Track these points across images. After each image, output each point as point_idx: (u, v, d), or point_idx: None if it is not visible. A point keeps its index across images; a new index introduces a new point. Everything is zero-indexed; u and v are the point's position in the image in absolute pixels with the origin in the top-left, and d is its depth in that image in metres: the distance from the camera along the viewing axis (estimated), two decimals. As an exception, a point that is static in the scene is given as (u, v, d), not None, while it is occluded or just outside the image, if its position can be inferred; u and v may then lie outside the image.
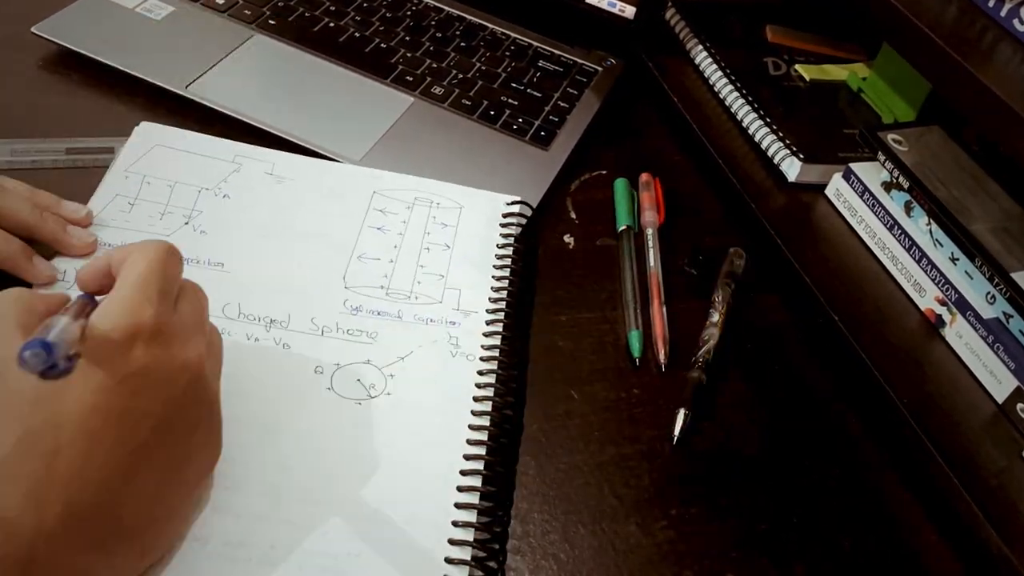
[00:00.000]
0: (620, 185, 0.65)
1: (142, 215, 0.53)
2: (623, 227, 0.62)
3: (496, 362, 0.50)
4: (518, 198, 0.61)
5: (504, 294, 0.55)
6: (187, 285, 0.38)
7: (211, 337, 0.39)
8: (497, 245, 0.57)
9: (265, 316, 0.50)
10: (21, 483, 0.30)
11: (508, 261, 0.56)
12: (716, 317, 0.57)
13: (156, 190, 0.55)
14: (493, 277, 0.55)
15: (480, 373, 0.50)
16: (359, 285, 0.53)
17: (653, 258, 0.60)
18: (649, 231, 0.62)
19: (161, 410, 0.34)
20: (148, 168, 0.56)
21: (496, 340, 0.51)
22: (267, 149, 0.59)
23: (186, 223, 0.53)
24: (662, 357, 0.54)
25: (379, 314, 0.51)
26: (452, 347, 0.50)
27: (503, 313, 0.53)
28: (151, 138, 0.58)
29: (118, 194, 0.54)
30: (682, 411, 0.51)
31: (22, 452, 0.31)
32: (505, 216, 0.59)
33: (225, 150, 0.59)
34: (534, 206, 0.61)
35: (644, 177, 0.66)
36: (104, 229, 0.52)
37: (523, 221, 0.59)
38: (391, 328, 0.51)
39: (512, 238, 0.58)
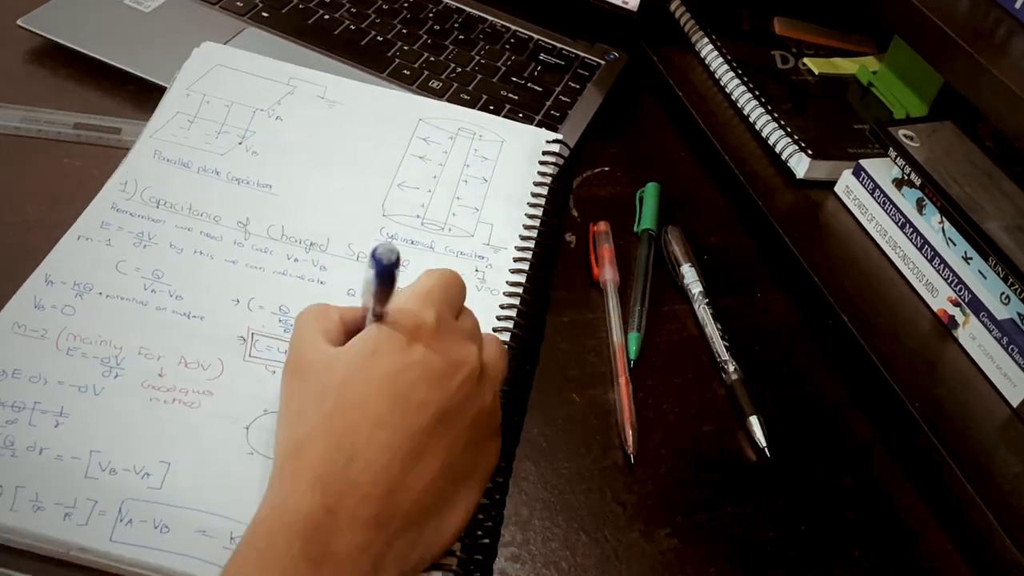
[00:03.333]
0: (652, 189, 0.64)
1: (199, 133, 0.57)
2: (644, 229, 0.61)
3: (519, 298, 0.53)
4: (559, 136, 0.63)
5: (535, 233, 0.57)
6: (466, 309, 0.43)
7: (490, 350, 0.43)
8: (534, 183, 0.59)
9: (306, 239, 0.53)
10: (312, 465, 0.36)
11: (542, 200, 0.59)
12: (704, 316, 0.57)
13: (214, 109, 0.58)
14: (526, 215, 0.58)
15: (501, 307, 0.52)
16: (397, 213, 0.55)
17: (616, 327, 0.55)
18: (610, 288, 0.57)
19: (438, 401, 0.38)
20: (208, 87, 0.59)
21: (521, 278, 0.54)
22: (321, 73, 0.63)
23: (240, 143, 0.57)
24: (630, 444, 0.49)
25: (413, 243, 0.54)
26: (479, 281, 0.53)
27: (531, 252, 0.56)
28: (212, 58, 0.61)
29: (179, 111, 0.58)
30: (754, 418, 0.51)
31: (318, 436, 0.37)
32: (544, 154, 0.61)
33: (281, 72, 0.62)
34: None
35: (602, 226, 0.61)
36: (165, 144, 0.55)
37: (561, 161, 0.61)
38: (423, 258, 0.54)
39: (549, 177, 0.60)
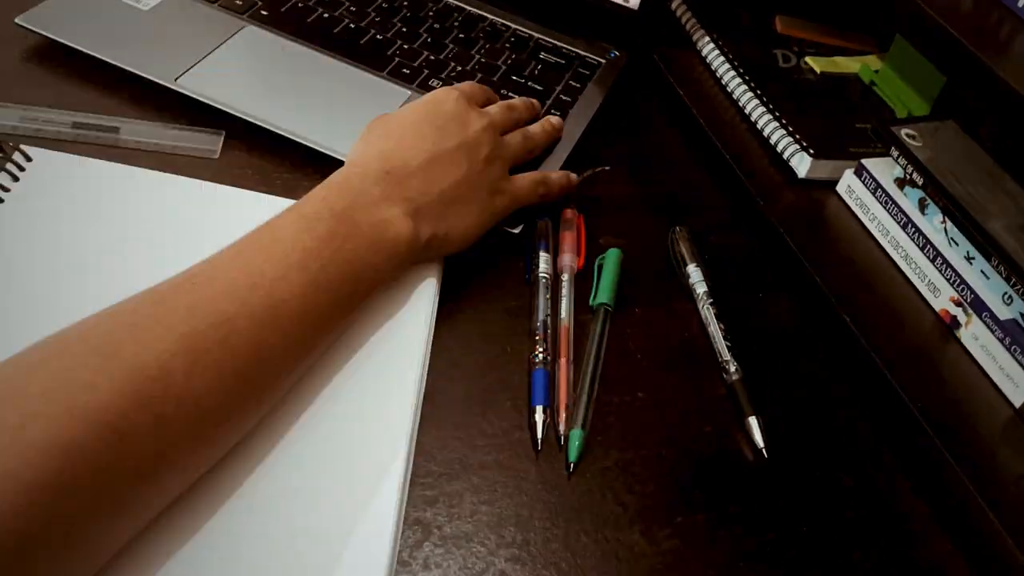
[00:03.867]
0: (613, 256, 0.59)
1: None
2: (600, 304, 0.56)
3: None
4: None
5: None
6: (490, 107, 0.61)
7: (495, 124, 0.58)
8: None
9: None
10: (379, 155, 0.52)
11: None
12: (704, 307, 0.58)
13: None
14: None
15: None
16: None
17: (566, 308, 0.55)
18: (565, 277, 0.57)
19: (460, 134, 0.55)
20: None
21: None
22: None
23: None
24: (563, 427, 0.49)
25: None
26: None
27: None
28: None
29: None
30: (753, 419, 0.51)
31: (364, 153, 0.53)
32: None
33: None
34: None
35: (567, 214, 0.61)
36: None
37: None
38: None
39: None
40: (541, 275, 0.57)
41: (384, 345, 0.50)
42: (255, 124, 0.61)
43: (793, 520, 0.48)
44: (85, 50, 0.63)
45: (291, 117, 0.62)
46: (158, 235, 0.53)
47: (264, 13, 0.70)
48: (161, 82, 0.62)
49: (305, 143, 0.61)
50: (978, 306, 0.55)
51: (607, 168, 0.67)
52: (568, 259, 0.58)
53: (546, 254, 0.58)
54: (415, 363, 0.50)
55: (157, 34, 0.66)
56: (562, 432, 0.49)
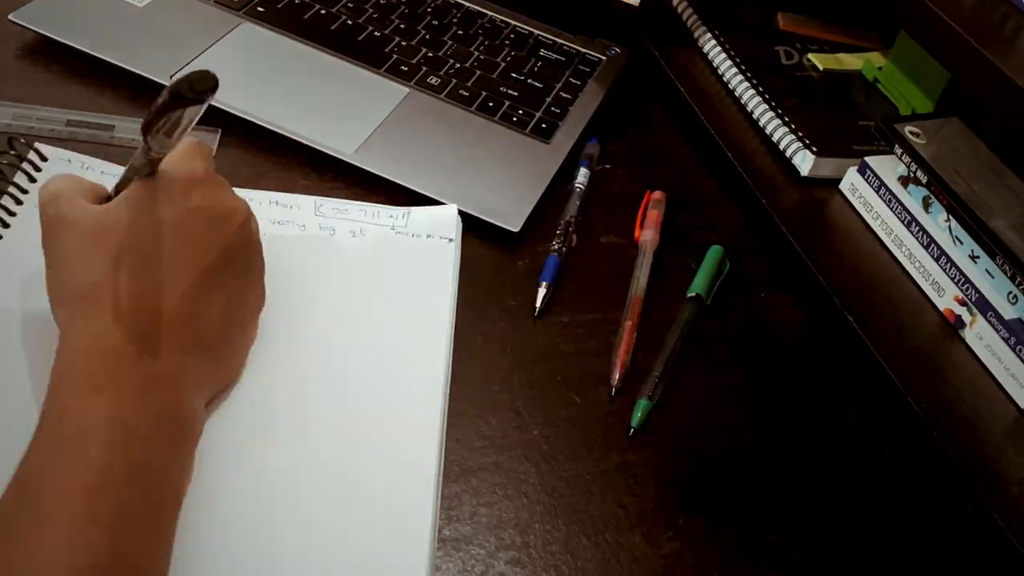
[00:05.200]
0: (714, 253, 0.60)
1: None
2: (694, 294, 0.58)
3: None
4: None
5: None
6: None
7: (248, 205, 0.46)
8: None
9: None
10: (114, 300, 0.39)
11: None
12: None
13: None
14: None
15: None
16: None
17: (641, 280, 0.58)
18: (645, 252, 0.60)
19: (221, 243, 0.43)
20: None
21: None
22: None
23: None
24: (615, 379, 0.52)
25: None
26: None
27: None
28: None
29: None
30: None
31: (112, 275, 0.39)
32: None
33: None
34: (534, 202, 0.61)
35: (657, 195, 0.64)
36: None
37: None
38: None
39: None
40: (577, 184, 0.64)
41: (407, 361, 0.51)
42: (251, 122, 0.61)
43: (796, 521, 0.48)
44: (79, 47, 0.63)
45: (287, 115, 0.62)
46: None
47: (260, 10, 0.70)
48: (156, 79, 0.62)
49: (302, 141, 0.61)
50: (983, 305, 0.55)
51: (607, 166, 0.67)
52: (650, 234, 0.61)
53: (586, 169, 0.65)
54: (440, 371, 0.50)
55: (152, 31, 0.66)
56: (615, 382, 0.52)
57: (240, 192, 0.56)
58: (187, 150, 0.44)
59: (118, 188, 0.43)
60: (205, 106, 0.38)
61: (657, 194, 0.64)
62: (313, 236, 0.56)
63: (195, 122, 0.39)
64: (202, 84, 0.36)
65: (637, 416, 0.51)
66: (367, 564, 0.42)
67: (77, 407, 0.36)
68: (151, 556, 0.36)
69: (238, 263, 0.44)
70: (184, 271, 0.41)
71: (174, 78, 0.37)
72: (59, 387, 0.37)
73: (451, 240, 0.57)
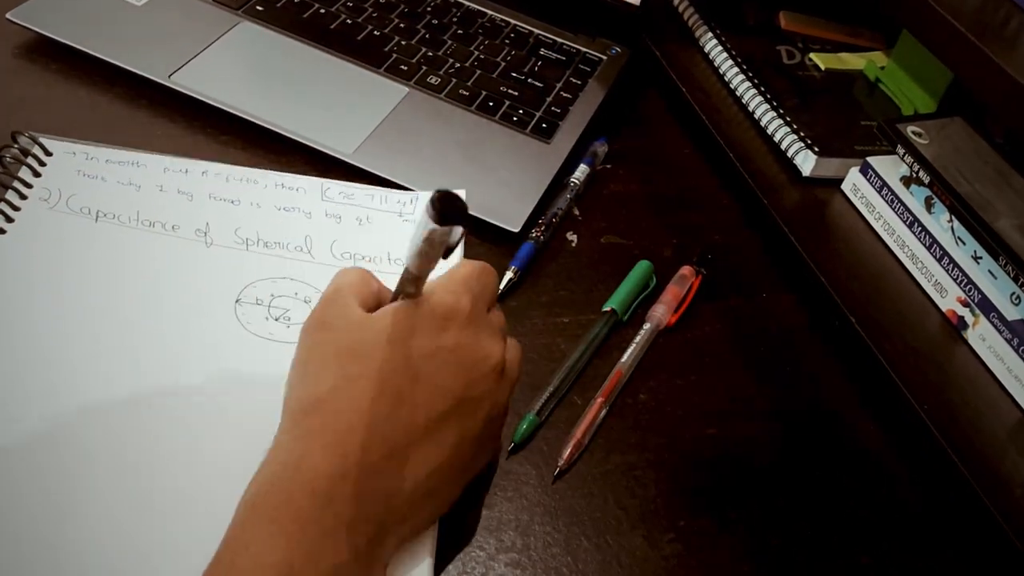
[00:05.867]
0: (641, 268, 0.59)
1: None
2: (609, 308, 0.56)
3: None
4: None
5: None
6: (496, 305, 0.43)
7: (512, 351, 0.43)
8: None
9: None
10: (335, 423, 0.36)
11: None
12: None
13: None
14: None
15: None
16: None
17: (630, 355, 0.54)
18: (647, 326, 0.56)
19: (461, 391, 0.39)
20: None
21: None
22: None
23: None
24: (563, 460, 0.48)
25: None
26: None
27: None
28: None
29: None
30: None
31: (341, 396, 0.37)
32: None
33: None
34: (534, 202, 0.61)
35: (686, 271, 0.59)
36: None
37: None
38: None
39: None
40: (572, 179, 0.63)
41: None
42: (250, 121, 0.61)
43: (798, 523, 0.48)
44: (78, 46, 0.63)
45: (286, 114, 0.62)
46: (196, 221, 0.54)
47: (259, 9, 0.70)
48: (155, 79, 0.62)
49: (301, 140, 0.61)
50: (985, 306, 0.55)
51: (608, 166, 0.67)
52: (661, 311, 0.56)
53: (585, 166, 0.64)
54: None
55: (151, 30, 0.66)
56: (561, 463, 0.48)
57: (245, 172, 0.57)
58: (462, 279, 0.40)
59: (394, 295, 0.41)
60: (459, 234, 0.35)
61: (686, 270, 0.59)
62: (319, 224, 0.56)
63: (457, 246, 0.36)
64: (448, 206, 0.33)
65: (520, 430, 0.48)
66: None
67: (256, 547, 0.34)
68: None
69: (473, 417, 0.40)
70: (409, 415, 0.37)
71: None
72: (244, 519, 0.35)
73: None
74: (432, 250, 0.36)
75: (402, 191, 0.58)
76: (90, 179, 0.55)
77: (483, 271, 0.42)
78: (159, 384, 0.46)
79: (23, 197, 0.52)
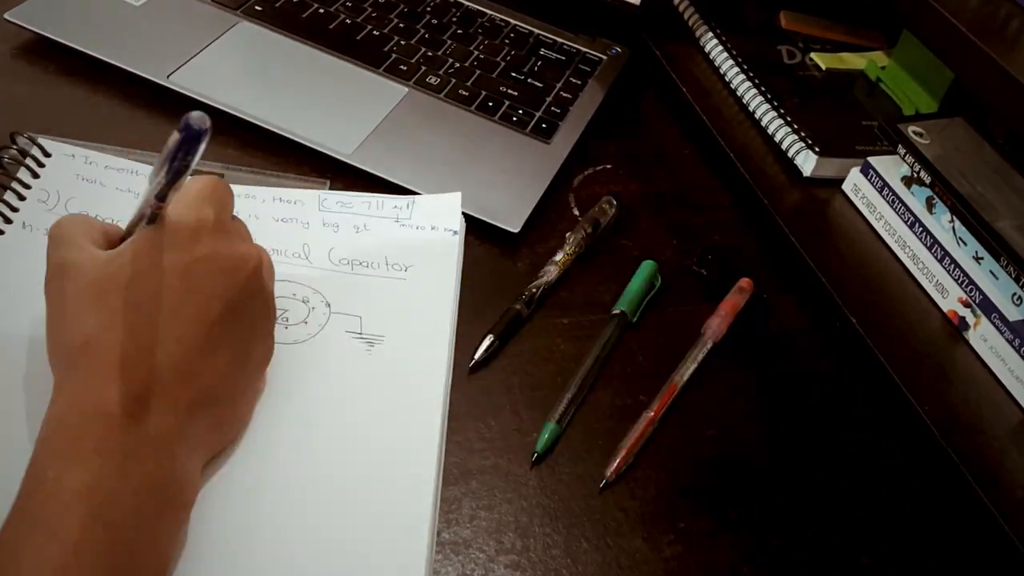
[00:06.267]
0: (646, 269, 0.58)
1: None
2: (618, 311, 0.56)
3: None
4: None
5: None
6: (236, 217, 0.46)
7: (263, 252, 0.45)
8: None
9: None
10: (107, 358, 0.37)
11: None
12: (560, 256, 0.58)
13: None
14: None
15: None
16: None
17: (687, 369, 0.53)
18: (709, 343, 0.55)
19: (228, 294, 0.41)
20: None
21: None
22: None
23: None
24: (610, 471, 0.48)
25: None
26: None
27: None
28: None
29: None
30: (489, 337, 0.52)
31: (107, 330, 0.37)
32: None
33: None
34: (534, 202, 0.61)
35: (744, 283, 0.59)
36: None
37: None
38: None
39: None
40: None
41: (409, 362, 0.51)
42: (248, 121, 0.61)
43: (798, 524, 0.48)
44: (76, 46, 0.63)
45: (285, 114, 0.62)
46: None
47: (258, 9, 0.70)
48: (153, 79, 0.62)
49: (300, 141, 0.61)
50: (987, 307, 0.55)
51: (607, 166, 0.67)
52: (716, 324, 0.56)
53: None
54: (440, 373, 0.50)
55: (149, 30, 0.66)
56: (609, 474, 0.48)
57: (243, 189, 0.57)
58: (198, 193, 0.42)
59: (128, 231, 0.42)
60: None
61: (744, 282, 0.59)
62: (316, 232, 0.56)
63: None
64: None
65: (543, 440, 0.48)
66: (365, 567, 0.42)
67: (55, 478, 0.34)
68: None
69: (245, 316, 0.42)
70: (186, 326, 0.39)
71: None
72: (40, 455, 0.35)
73: (455, 232, 0.57)
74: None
75: (398, 196, 0.58)
76: (89, 183, 0.55)
77: (217, 184, 0.43)
78: None
79: (21, 198, 0.52)
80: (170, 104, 0.62)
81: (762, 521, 0.48)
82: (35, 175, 0.54)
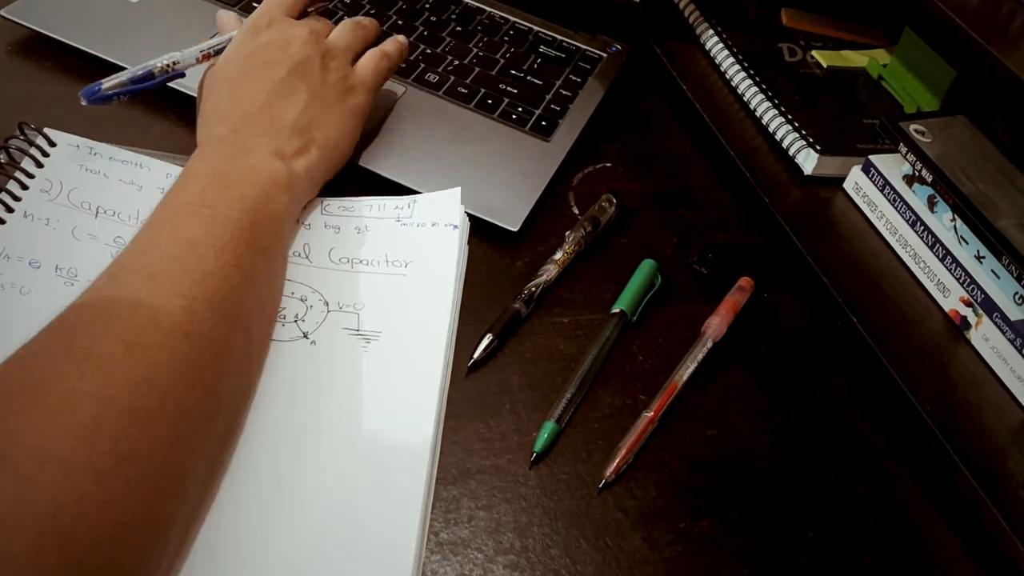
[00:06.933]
0: (646, 267, 0.58)
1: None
2: (618, 310, 0.56)
3: None
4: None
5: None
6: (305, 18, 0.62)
7: (311, 27, 0.59)
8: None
9: None
10: (217, 114, 0.55)
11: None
12: (559, 255, 0.57)
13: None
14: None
15: None
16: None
17: (685, 372, 0.53)
18: (709, 343, 0.55)
19: (286, 59, 0.56)
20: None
21: None
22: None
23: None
24: (610, 471, 0.48)
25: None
26: None
27: None
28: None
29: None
30: (488, 336, 0.52)
31: (217, 101, 0.55)
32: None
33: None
34: (534, 201, 0.61)
35: (744, 282, 0.59)
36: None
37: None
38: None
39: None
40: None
41: (407, 350, 0.51)
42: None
43: (800, 525, 0.48)
44: (73, 43, 0.63)
45: (284, 112, 0.62)
46: None
47: (255, 5, 0.70)
48: (150, 76, 0.62)
49: (298, 139, 0.61)
50: (988, 306, 0.56)
51: (607, 165, 0.67)
52: (717, 323, 0.56)
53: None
54: (438, 368, 0.50)
55: (146, 27, 0.66)
56: (608, 474, 0.48)
57: None
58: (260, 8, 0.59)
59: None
60: None
61: (744, 281, 0.59)
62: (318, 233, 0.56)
63: None
64: None
65: (542, 439, 0.48)
66: (356, 563, 0.42)
67: (185, 173, 0.49)
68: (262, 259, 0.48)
69: (309, 71, 0.56)
70: (261, 83, 0.54)
71: None
72: (178, 182, 0.49)
73: (455, 227, 0.57)
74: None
75: (400, 197, 0.58)
76: (92, 175, 0.55)
77: None
78: None
79: (24, 187, 0.53)
80: (168, 102, 0.62)
81: (763, 521, 0.48)
82: (39, 164, 0.54)
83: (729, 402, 0.54)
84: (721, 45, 0.75)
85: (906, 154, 0.61)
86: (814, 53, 0.77)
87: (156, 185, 0.56)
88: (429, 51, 0.71)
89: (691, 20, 0.79)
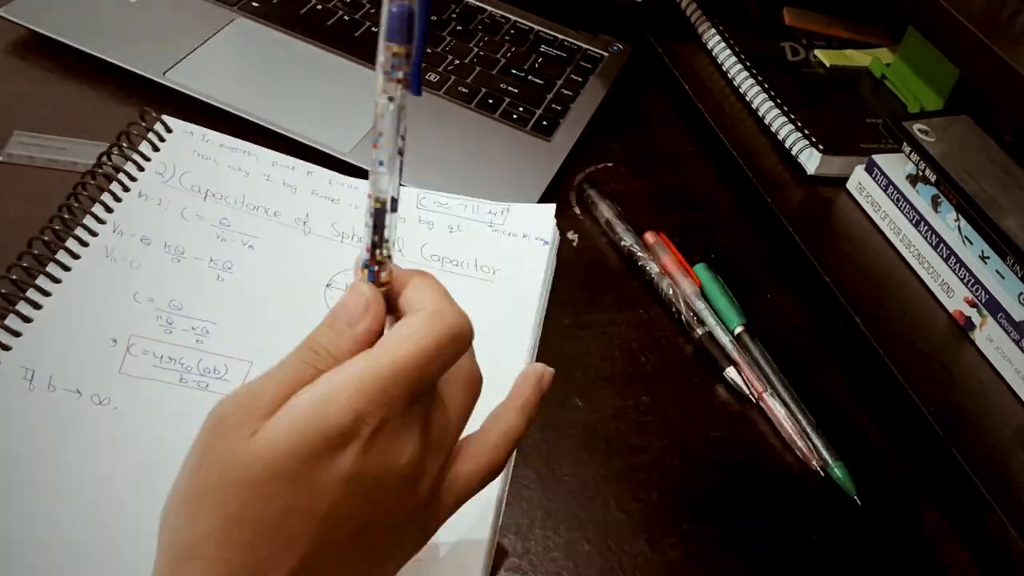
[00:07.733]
0: (705, 271, 0.59)
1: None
2: (741, 327, 0.56)
3: None
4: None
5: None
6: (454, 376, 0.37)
7: (438, 456, 0.36)
8: None
9: None
10: (215, 568, 0.31)
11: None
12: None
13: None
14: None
15: None
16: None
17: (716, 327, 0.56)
18: (700, 305, 0.57)
19: (360, 518, 0.33)
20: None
21: None
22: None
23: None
24: (817, 461, 0.51)
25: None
26: None
27: None
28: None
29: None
30: (731, 369, 0.54)
31: (219, 538, 0.31)
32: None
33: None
34: (535, 200, 0.61)
35: (649, 238, 0.61)
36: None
37: None
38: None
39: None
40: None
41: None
42: (245, 119, 0.61)
43: (803, 528, 0.48)
44: (71, 43, 0.63)
45: (283, 112, 0.62)
46: (297, 211, 0.56)
47: (255, 5, 0.70)
48: (150, 76, 0.62)
49: (297, 139, 0.61)
50: (993, 307, 0.56)
51: (609, 164, 0.67)
52: (687, 285, 0.57)
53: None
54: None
55: (144, 26, 0.66)
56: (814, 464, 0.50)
57: (347, 179, 0.59)
58: (379, 378, 0.32)
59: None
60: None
61: (648, 237, 0.61)
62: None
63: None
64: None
65: (844, 480, 0.50)
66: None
67: None
68: None
69: (379, 530, 0.35)
70: (300, 558, 0.32)
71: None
72: None
73: (546, 243, 0.57)
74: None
75: (493, 202, 0.59)
76: (204, 159, 0.57)
77: (424, 350, 0.34)
78: (243, 347, 0.49)
79: (141, 169, 0.55)
80: (167, 101, 0.62)
81: (766, 525, 0.48)
82: (156, 148, 0.56)
83: (731, 403, 0.54)
84: (723, 44, 0.75)
85: (910, 154, 0.61)
86: (817, 52, 0.77)
87: (261, 172, 0.57)
88: (429, 51, 0.71)
89: (693, 19, 0.79)
